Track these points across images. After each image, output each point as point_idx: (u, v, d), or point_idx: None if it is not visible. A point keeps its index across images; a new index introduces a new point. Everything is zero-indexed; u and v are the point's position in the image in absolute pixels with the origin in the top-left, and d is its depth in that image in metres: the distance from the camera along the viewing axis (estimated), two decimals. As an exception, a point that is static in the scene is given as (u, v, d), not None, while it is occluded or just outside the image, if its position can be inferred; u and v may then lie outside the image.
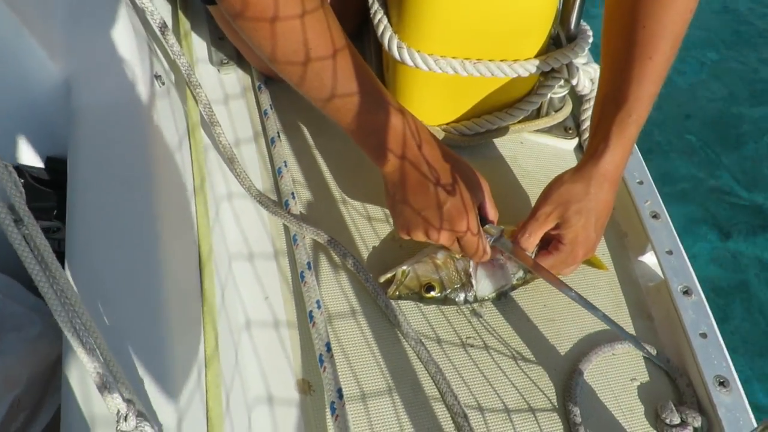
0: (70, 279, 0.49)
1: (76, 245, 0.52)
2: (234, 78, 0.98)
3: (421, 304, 0.78)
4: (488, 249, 0.74)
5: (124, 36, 0.69)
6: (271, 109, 0.93)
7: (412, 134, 0.70)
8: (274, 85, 0.97)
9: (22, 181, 0.66)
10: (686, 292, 0.80)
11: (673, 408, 0.72)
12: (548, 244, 0.77)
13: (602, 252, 0.88)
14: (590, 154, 0.75)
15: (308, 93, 0.68)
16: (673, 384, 0.77)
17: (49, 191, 0.65)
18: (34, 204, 0.65)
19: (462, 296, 0.77)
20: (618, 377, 0.76)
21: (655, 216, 0.88)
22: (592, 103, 0.95)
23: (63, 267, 0.53)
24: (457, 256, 0.78)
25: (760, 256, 1.93)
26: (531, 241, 0.76)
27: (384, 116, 0.69)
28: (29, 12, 0.63)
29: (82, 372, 0.45)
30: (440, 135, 0.93)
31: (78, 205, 0.54)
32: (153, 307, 0.49)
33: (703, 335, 0.77)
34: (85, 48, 0.65)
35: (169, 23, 0.97)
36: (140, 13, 0.77)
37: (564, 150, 0.98)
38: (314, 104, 0.69)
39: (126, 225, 0.54)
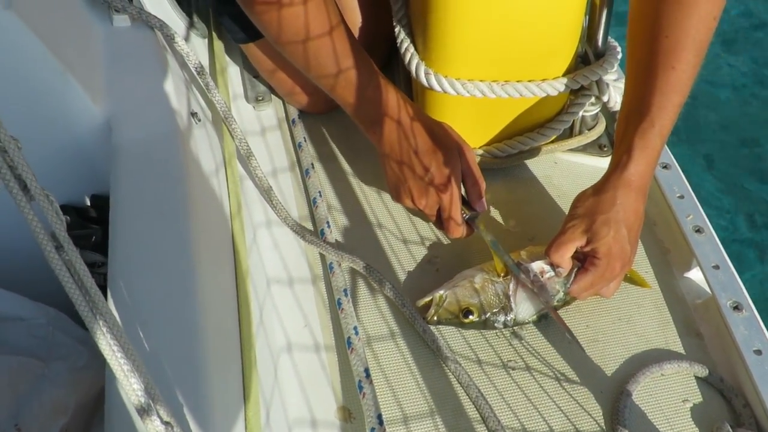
0: (113, 308, 0.51)
1: (118, 276, 0.54)
2: (269, 113, 1.01)
3: (459, 329, 0.77)
4: (459, 226, 0.79)
5: (162, 78, 0.72)
6: (305, 141, 0.95)
7: (401, 107, 0.77)
8: (307, 118, 1.00)
9: (68, 218, 0.69)
10: (736, 308, 0.78)
11: (730, 430, 0.69)
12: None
13: (645, 270, 0.86)
14: (614, 165, 0.75)
15: (307, 71, 0.78)
16: (729, 405, 0.73)
17: (95, 227, 0.67)
18: (78, 239, 0.67)
19: (501, 320, 0.76)
20: (669, 399, 0.73)
21: (698, 230, 0.86)
22: (625, 118, 0.94)
23: (105, 297, 0.55)
24: (496, 279, 0.77)
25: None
26: (561, 256, 0.74)
27: (374, 91, 0.76)
28: (73, 58, 0.67)
29: (125, 400, 0.46)
30: (472, 158, 0.93)
31: (119, 238, 0.56)
32: (192, 334, 0.50)
33: (758, 352, 0.74)
34: (125, 90, 0.69)
35: (206, 63, 1.01)
36: (177, 55, 0.81)
37: (600, 168, 0.96)
38: (313, 80, 0.79)
39: (165, 256, 0.56)
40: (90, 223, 0.67)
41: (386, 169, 0.80)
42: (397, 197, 0.81)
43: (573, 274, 0.76)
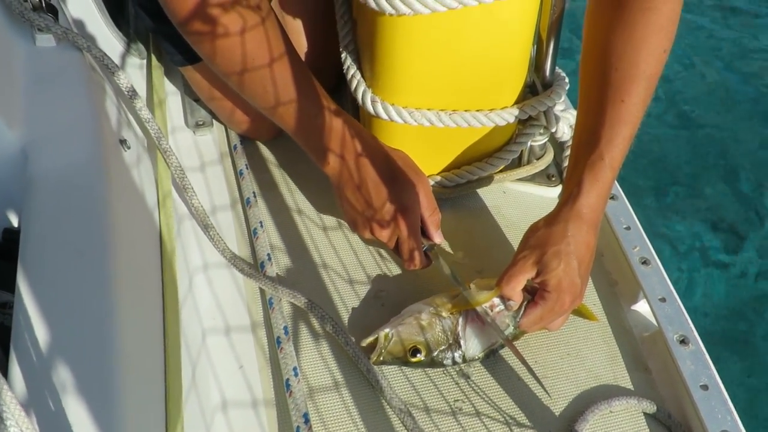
0: (15, 358, 0.45)
1: (24, 320, 0.48)
2: (209, 139, 0.96)
3: (405, 368, 0.73)
4: (419, 257, 0.77)
5: (88, 102, 0.67)
6: (247, 168, 0.91)
7: (352, 136, 0.74)
8: (249, 144, 0.96)
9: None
10: (683, 341, 0.77)
11: (678, 468, 0.68)
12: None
13: (593, 302, 0.85)
14: (565, 197, 0.74)
15: (252, 100, 0.75)
16: (677, 441, 0.72)
17: (8, 265, 0.62)
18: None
19: (450, 357, 0.73)
20: (618, 437, 0.72)
21: (645, 262, 0.85)
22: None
23: (8, 341, 0.50)
24: (443, 314, 0.74)
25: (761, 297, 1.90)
26: (512, 288, 0.72)
27: (323, 120, 0.74)
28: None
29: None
30: (420, 188, 0.90)
31: (28, 278, 0.51)
32: (106, 392, 0.45)
33: (704, 387, 0.73)
34: (45, 114, 0.64)
35: (143, 86, 0.96)
36: (108, 78, 0.76)
37: (548, 198, 0.96)
38: (259, 110, 0.76)
39: (79, 300, 0.51)
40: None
41: (341, 201, 0.78)
42: (354, 228, 0.79)
43: (523, 308, 0.74)
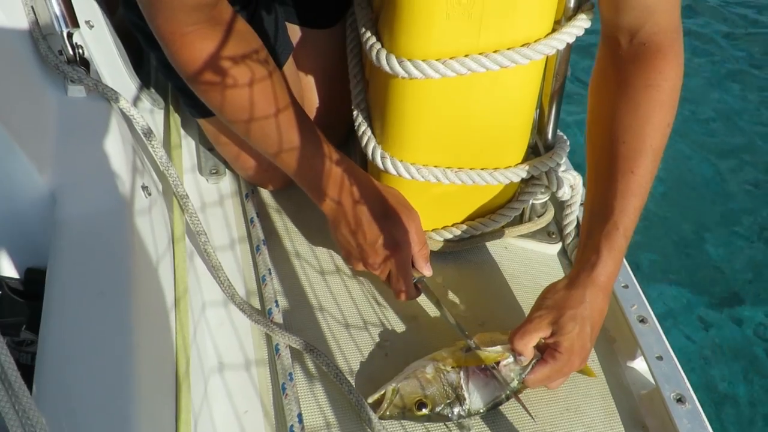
0: (38, 396, 0.47)
1: (48, 359, 0.50)
2: (222, 187, 1.00)
3: (407, 421, 0.75)
4: (411, 289, 0.80)
5: (114, 150, 0.71)
6: (258, 216, 0.94)
7: (348, 174, 0.79)
8: (261, 193, 0.99)
9: None
10: (680, 400, 0.78)
11: None
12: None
13: (592, 358, 0.86)
14: (582, 264, 0.76)
15: (255, 145, 0.80)
16: (675, 500, 0.73)
17: (21, 302, 0.64)
18: (5, 318, 0.64)
19: (455, 411, 0.74)
20: (616, 493, 0.72)
21: (642, 320, 0.87)
22: (573, 208, 0.97)
23: (31, 379, 0.51)
24: (447, 369, 0.76)
25: (754, 357, 1.91)
26: (525, 344, 0.74)
27: (321, 160, 0.78)
28: (22, 126, 0.65)
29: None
30: (428, 242, 0.93)
31: (53, 318, 0.53)
32: (123, 427, 0.47)
33: (702, 446, 0.74)
34: (74, 160, 0.67)
35: (161, 133, 1.00)
36: (133, 127, 0.80)
37: (548, 255, 0.99)
38: (261, 152, 0.80)
39: (101, 340, 0.53)
40: (21, 298, 0.63)
41: (336, 235, 0.81)
42: (348, 261, 0.83)
43: (531, 365, 0.75)
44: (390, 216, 0.79)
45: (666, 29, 0.74)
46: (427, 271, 0.81)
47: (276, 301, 0.83)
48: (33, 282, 0.63)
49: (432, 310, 0.86)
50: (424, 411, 0.72)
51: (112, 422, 0.48)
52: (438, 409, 0.73)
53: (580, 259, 0.77)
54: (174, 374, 0.61)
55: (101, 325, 0.54)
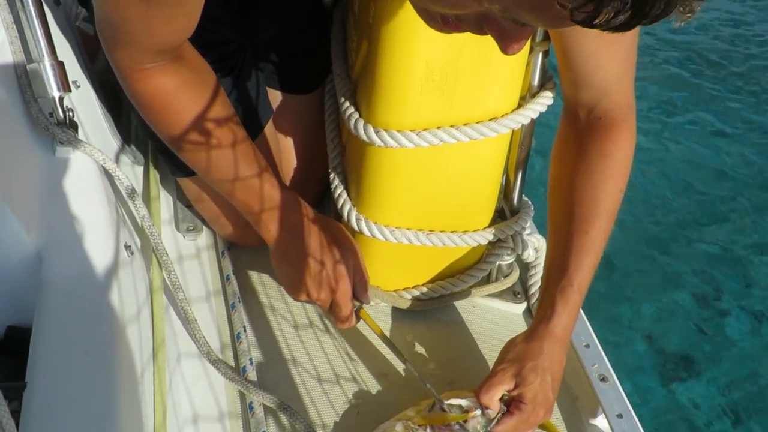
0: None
1: (34, 414, 0.51)
2: (199, 243, 1.02)
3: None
4: (352, 317, 0.83)
5: (99, 208, 0.73)
6: (233, 273, 0.96)
7: (292, 206, 0.81)
8: (237, 250, 1.01)
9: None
10: (639, 457, 0.82)
11: None
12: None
13: (555, 416, 0.89)
14: (539, 318, 0.81)
15: (198, 170, 0.81)
16: None
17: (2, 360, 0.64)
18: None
19: None
20: None
21: (603, 379, 0.91)
22: (537, 269, 1.01)
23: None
24: (415, 427, 0.78)
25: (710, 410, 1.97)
26: (490, 397, 0.77)
27: (265, 192, 0.80)
28: (10, 186, 0.67)
29: None
30: (398, 301, 0.97)
31: (39, 376, 0.54)
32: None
33: (659, 503, 0.77)
34: (61, 220, 0.69)
35: (140, 190, 1.03)
36: (116, 187, 0.82)
37: (514, 314, 1.03)
38: (208, 182, 0.83)
39: (85, 398, 0.54)
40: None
41: (279, 265, 0.84)
42: (290, 291, 0.84)
43: (497, 418, 0.78)
44: (331, 248, 0.82)
45: (620, 106, 0.81)
46: (365, 299, 0.85)
47: (250, 358, 0.85)
48: (14, 339, 0.64)
49: (402, 368, 0.89)
50: None
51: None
52: None
53: (538, 313, 0.82)
54: (152, 426, 0.62)
55: (86, 384, 0.56)
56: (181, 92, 0.74)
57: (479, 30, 0.51)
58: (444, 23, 0.52)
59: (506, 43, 0.50)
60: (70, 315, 0.61)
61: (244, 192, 0.80)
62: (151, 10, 0.64)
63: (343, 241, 0.84)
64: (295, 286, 0.83)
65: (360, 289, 0.85)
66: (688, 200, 2.78)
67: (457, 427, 0.78)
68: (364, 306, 0.86)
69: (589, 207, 0.81)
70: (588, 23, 0.37)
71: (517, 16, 0.44)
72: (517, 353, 0.79)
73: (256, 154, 0.80)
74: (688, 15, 0.38)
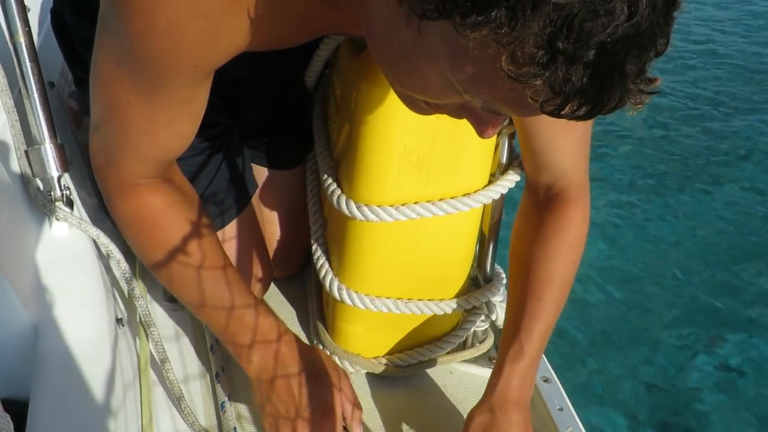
0: None
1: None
2: (184, 315, 1.05)
3: None
4: None
5: (92, 282, 0.77)
6: (217, 344, 0.99)
7: (276, 336, 0.78)
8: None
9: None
10: None
11: None
12: None
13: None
14: (491, 385, 0.85)
15: (179, 296, 0.78)
16: None
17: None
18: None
19: None
20: None
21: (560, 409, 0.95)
22: (511, 336, 1.06)
23: None
24: None
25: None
26: None
27: (249, 324, 0.77)
28: (9, 262, 0.70)
29: None
30: (378, 367, 1.00)
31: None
32: None
33: None
34: (56, 295, 0.72)
35: (131, 263, 1.06)
36: (108, 262, 0.86)
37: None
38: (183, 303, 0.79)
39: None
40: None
41: (262, 400, 0.79)
42: (275, 430, 0.79)
43: None
44: (319, 380, 0.79)
45: (575, 186, 0.89)
46: (357, 429, 0.82)
47: (235, 428, 0.87)
48: (9, 413, 0.65)
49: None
50: None
51: None
52: None
53: (490, 380, 0.86)
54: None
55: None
56: (171, 212, 0.74)
57: (457, 115, 0.58)
58: (425, 108, 0.59)
59: (482, 128, 0.57)
60: (66, 387, 0.64)
61: (231, 320, 0.76)
62: (156, 112, 0.65)
63: (332, 371, 0.81)
64: (278, 426, 0.78)
65: (353, 424, 0.82)
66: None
67: None
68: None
69: (542, 275, 0.87)
70: (555, 114, 0.44)
71: (494, 108, 0.51)
72: (475, 428, 0.82)
73: (238, 281, 0.78)
74: (639, 106, 0.45)
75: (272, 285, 1.11)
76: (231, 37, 0.62)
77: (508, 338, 0.86)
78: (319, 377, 0.80)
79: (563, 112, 0.44)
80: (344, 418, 0.81)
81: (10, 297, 0.67)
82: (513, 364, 0.84)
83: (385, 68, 0.58)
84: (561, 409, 1.00)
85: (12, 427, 0.37)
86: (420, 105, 0.59)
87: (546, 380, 1.04)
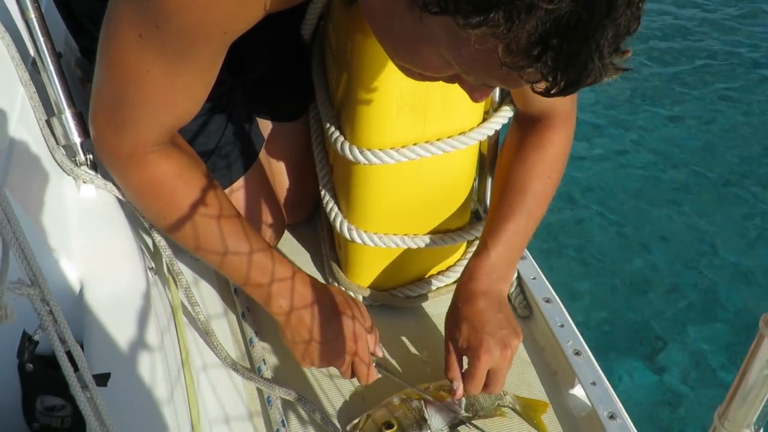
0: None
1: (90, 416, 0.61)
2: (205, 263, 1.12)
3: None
4: (373, 371, 0.87)
5: (123, 237, 0.84)
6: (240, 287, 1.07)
7: (296, 280, 0.82)
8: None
9: (30, 366, 0.76)
10: (612, 417, 0.93)
11: None
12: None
13: (539, 389, 1.01)
14: (459, 282, 0.93)
15: (203, 257, 0.81)
16: (614, 501, 0.87)
17: (58, 373, 0.74)
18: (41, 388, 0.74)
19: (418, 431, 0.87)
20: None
21: (577, 353, 1.03)
22: (513, 262, 1.13)
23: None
24: (410, 398, 0.89)
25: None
26: (453, 374, 0.87)
27: (270, 271, 0.81)
28: (47, 225, 0.77)
29: None
30: (390, 299, 1.08)
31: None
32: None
33: (632, 454, 0.89)
34: (94, 250, 0.79)
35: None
36: (133, 218, 0.93)
37: (494, 303, 1.14)
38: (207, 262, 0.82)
39: (132, 394, 0.64)
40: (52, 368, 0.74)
41: (292, 338, 0.84)
42: (306, 362, 0.86)
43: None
44: (339, 312, 0.85)
45: (561, 114, 0.95)
46: (380, 352, 0.89)
47: (264, 359, 0.95)
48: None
49: (398, 361, 1.00)
50: (392, 430, 0.85)
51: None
52: (404, 428, 0.86)
53: (461, 277, 0.93)
54: (190, 421, 0.72)
55: (134, 385, 0.66)
56: (186, 176, 0.76)
57: (451, 82, 0.63)
58: (420, 76, 0.64)
59: (475, 95, 0.63)
60: (112, 330, 0.72)
61: (256, 270, 0.80)
62: (177, 82, 0.66)
63: (349, 302, 0.87)
64: (309, 356, 0.84)
65: (373, 345, 0.88)
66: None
67: (448, 400, 0.89)
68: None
69: (516, 185, 0.94)
70: (545, 94, 0.51)
71: (487, 83, 0.57)
72: (450, 324, 0.90)
73: (253, 233, 0.81)
74: (614, 77, 0.51)
75: (286, 232, 1.18)
76: (261, 1, 0.64)
77: (480, 240, 0.94)
78: (339, 310, 0.86)
79: (552, 92, 0.51)
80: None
81: (57, 255, 0.75)
82: (476, 259, 0.91)
83: (385, 44, 0.63)
84: (562, 326, 1.08)
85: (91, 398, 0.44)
86: (416, 74, 0.64)
87: (547, 300, 1.12)
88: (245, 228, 0.81)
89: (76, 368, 0.45)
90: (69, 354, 0.43)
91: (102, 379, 0.56)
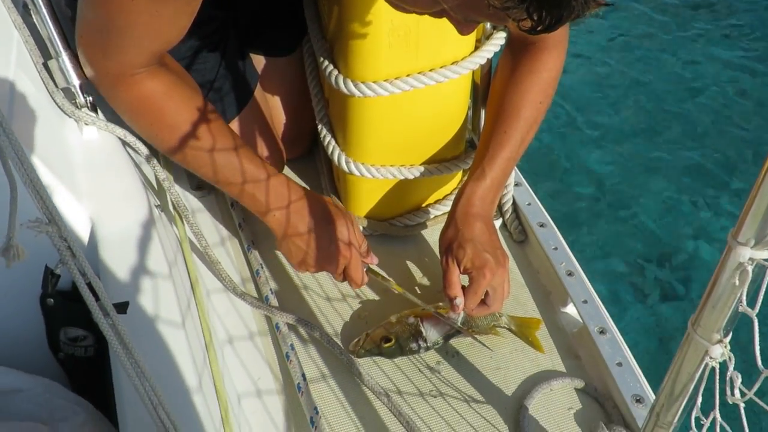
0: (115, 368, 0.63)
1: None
2: (210, 200, 1.16)
3: (384, 365, 0.93)
4: (365, 275, 0.92)
5: (128, 175, 0.87)
6: (244, 221, 1.11)
7: (290, 191, 0.86)
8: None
9: (51, 301, 0.80)
10: (602, 332, 0.99)
11: (604, 427, 0.88)
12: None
13: (533, 309, 1.06)
14: (454, 204, 0.96)
15: (196, 171, 0.84)
16: (602, 408, 0.93)
17: (74, 305, 0.79)
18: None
19: (415, 344, 0.93)
20: (557, 408, 0.92)
21: (570, 274, 1.07)
22: (508, 188, 1.16)
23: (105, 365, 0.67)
24: (407, 315, 0.95)
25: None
26: (453, 290, 0.91)
27: (262, 181, 0.85)
28: (53, 167, 0.80)
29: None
30: (390, 229, 1.12)
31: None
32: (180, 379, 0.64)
33: (619, 364, 0.95)
34: (101, 191, 0.82)
35: (157, 156, 1.15)
36: (137, 153, 0.95)
37: (491, 229, 1.18)
38: (201, 177, 0.85)
39: (152, 316, 0.70)
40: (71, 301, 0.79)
41: (287, 245, 0.89)
42: (302, 267, 0.92)
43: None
44: (335, 221, 0.89)
45: (553, 38, 0.95)
46: (371, 259, 0.94)
47: (270, 289, 1.00)
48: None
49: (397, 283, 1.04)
50: (389, 344, 0.91)
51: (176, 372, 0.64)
52: (401, 342, 0.92)
53: (453, 201, 0.96)
54: (203, 344, 0.78)
55: (154, 308, 0.71)
56: (173, 93, 0.78)
57: (440, 17, 0.64)
58: (409, 11, 0.66)
59: (463, 29, 0.64)
60: (126, 264, 0.76)
61: (239, 181, 0.84)
62: (161, 9, 0.68)
63: (340, 212, 0.90)
64: (305, 262, 0.89)
65: (364, 251, 0.93)
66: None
67: (444, 316, 0.95)
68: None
69: (511, 111, 0.95)
70: (530, 32, 0.53)
71: (476, 19, 0.59)
72: (444, 242, 0.94)
73: (242, 145, 0.84)
74: (595, 9, 0.53)
75: (286, 167, 1.21)
76: None
77: (474, 164, 0.97)
78: (331, 218, 0.89)
79: (538, 29, 0.52)
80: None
81: (66, 196, 0.78)
82: (474, 184, 0.94)
83: None
84: (555, 249, 1.12)
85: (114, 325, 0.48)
86: (405, 9, 0.66)
87: (542, 225, 1.16)
88: (237, 141, 0.83)
89: (96, 298, 0.49)
90: (89, 286, 0.47)
91: (121, 307, 0.60)
